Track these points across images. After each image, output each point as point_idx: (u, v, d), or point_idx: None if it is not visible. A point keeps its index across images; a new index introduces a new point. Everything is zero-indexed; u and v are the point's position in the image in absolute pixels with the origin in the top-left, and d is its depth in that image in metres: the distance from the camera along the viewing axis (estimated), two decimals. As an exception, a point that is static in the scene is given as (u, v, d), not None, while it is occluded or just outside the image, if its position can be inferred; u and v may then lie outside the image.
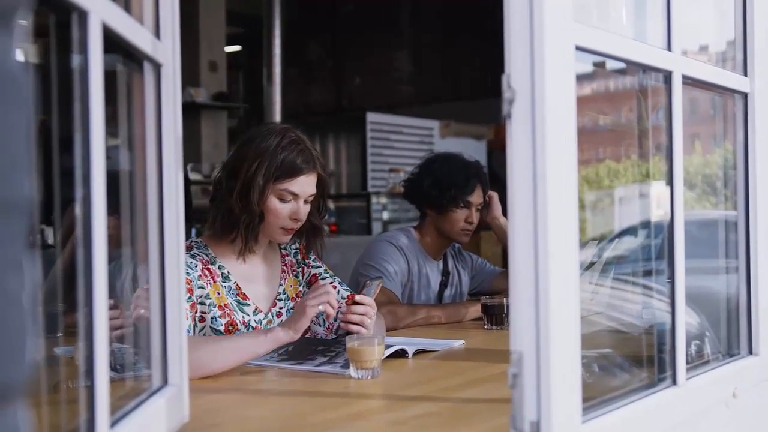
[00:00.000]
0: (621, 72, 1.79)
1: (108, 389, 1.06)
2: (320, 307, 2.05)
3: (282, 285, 2.41)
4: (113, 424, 1.12)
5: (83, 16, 1.03)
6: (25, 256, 0.58)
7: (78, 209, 1.04)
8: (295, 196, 2.26)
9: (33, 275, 0.60)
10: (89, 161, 1.03)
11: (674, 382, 1.56)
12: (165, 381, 1.41)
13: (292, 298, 2.41)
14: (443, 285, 3.19)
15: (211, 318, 2.21)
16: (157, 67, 1.39)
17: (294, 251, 2.48)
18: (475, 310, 2.89)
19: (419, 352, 2.25)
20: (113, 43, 1.15)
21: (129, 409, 1.24)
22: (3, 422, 0.56)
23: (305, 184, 2.27)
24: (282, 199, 2.25)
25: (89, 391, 1.04)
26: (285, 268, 2.43)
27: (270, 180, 2.22)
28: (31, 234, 0.60)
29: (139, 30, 1.28)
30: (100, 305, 1.04)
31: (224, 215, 2.26)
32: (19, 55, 0.59)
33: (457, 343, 2.42)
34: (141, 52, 1.30)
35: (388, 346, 2.09)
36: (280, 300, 2.39)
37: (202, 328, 2.20)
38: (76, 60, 1.05)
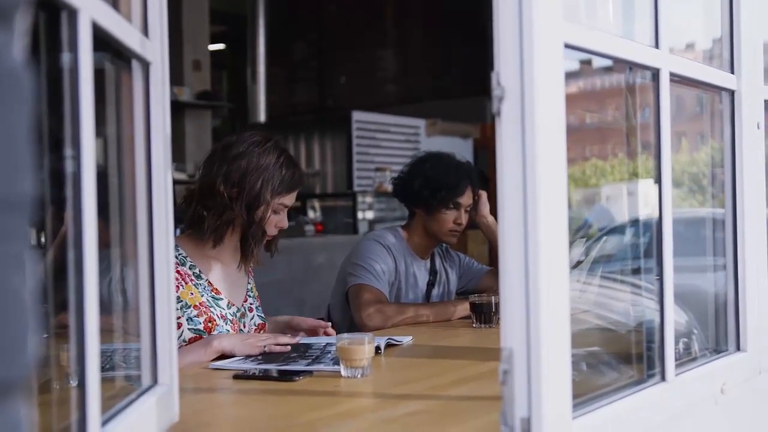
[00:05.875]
0: (607, 70, 1.79)
1: (99, 389, 1.05)
2: (265, 348, 2.18)
3: (250, 284, 2.54)
4: (104, 423, 1.12)
5: (73, 14, 1.02)
6: (26, 253, 0.59)
7: (67, 210, 1.04)
8: (286, 207, 2.41)
9: (34, 272, 0.60)
10: (80, 161, 1.03)
11: (663, 377, 1.56)
12: (155, 380, 1.41)
13: (257, 297, 2.56)
14: (431, 284, 3.20)
15: (187, 319, 2.27)
16: (145, 65, 1.39)
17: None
18: (463, 308, 2.90)
19: (389, 346, 2.31)
20: (101, 41, 1.14)
21: (119, 409, 1.24)
22: (5, 418, 0.56)
23: (295, 197, 2.44)
24: (275, 212, 2.38)
25: (80, 391, 1.03)
26: (250, 269, 2.56)
27: (275, 196, 2.35)
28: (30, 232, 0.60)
29: (128, 28, 1.27)
30: (90, 305, 1.04)
31: (226, 225, 2.34)
32: (20, 54, 0.58)
33: (406, 339, 2.45)
34: (130, 50, 1.30)
35: None
36: (250, 296, 2.52)
37: (180, 335, 2.22)
38: (65, 58, 1.04)
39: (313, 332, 2.49)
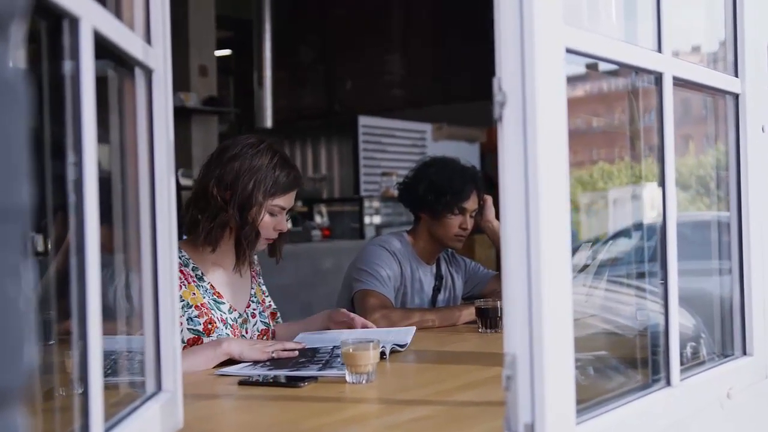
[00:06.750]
0: (614, 74, 1.79)
1: (102, 396, 1.06)
2: (273, 354, 2.18)
3: (253, 289, 2.53)
4: (107, 430, 1.12)
5: (74, 22, 1.02)
6: (22, 262, 0.59)
7: (70, 216, 1.04)
8: (282, 210, 2.39)
9: (30, 281, 0.60)
10: (81, 168, 1.03)
11: (668, 382, 1.56)
12: (159, 387, 1.41)
13: (261, 302, 2.55)
14: (437, 289, 3.19)
15: (188, 319, 2.28)
16: (148, 72, 1.39)
17: (256, 261, 2.62)
18: (468, 313, 2.89)
19: (393, 352, 2.30)
20: (104, 48, 1.15)
21: (123, 415, 1.24)
22: (1, 427, 0.56)
23: (292, 199, 2.42)
24: (271, 214, 2.37)
25: (84, 398, 1.03)
26: (254, 274, 2.56)
27: (267, 197, 2.34)
28: (27, 241, 0.61)
29: (130, 36, 1.28)
30: (93, 312, 1.04)
31: (220, 228, 2.34)
32: (16, 63, 0.59)
33: (410, 333, 2.47)
34: (132, 57, 1.30)
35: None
36: (253, 302, 2.51)
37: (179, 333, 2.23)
38: (67, 66, 1.04)
39: (348, 325, 2.51)
